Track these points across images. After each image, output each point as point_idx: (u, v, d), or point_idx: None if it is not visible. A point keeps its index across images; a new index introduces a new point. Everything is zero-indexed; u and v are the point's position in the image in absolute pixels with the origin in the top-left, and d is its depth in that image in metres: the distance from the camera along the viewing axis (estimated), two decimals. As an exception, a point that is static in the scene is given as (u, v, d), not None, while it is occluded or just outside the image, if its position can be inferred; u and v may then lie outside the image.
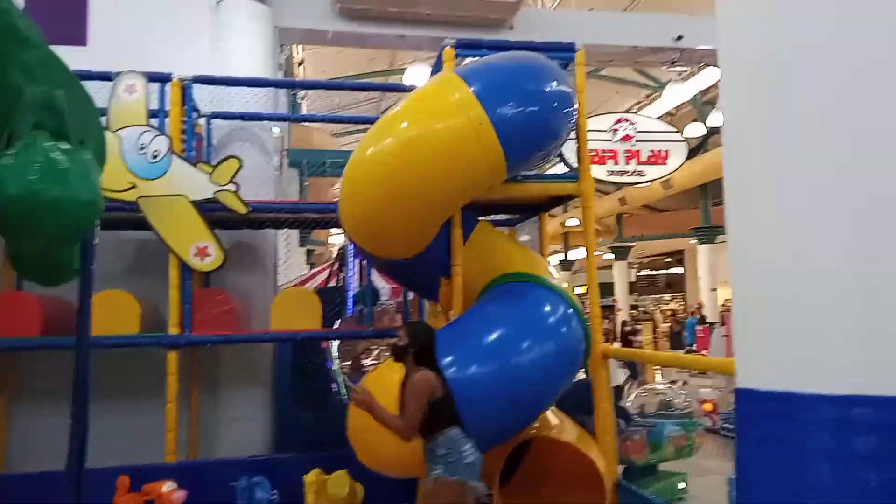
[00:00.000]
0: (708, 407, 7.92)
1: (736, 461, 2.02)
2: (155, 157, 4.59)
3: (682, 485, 5.59)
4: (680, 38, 7.85)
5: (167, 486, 4.25)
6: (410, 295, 6.36)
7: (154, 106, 4.93)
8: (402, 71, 12.67)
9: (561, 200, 5.37)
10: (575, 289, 20.88)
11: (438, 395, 3.20)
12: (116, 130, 4.61)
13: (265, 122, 5.99)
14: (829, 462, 1.74)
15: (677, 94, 14.49)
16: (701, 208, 18.11)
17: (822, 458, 1.75)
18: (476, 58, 4.63)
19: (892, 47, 1.75)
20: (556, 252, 26.04)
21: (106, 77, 4.73)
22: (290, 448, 5.44)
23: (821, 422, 1.76)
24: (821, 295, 1.79)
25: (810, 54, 1.83)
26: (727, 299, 16.23)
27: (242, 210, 4.68)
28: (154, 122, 4.87)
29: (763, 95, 1.94)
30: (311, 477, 4.39)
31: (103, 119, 4.31)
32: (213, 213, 4.80)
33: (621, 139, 11.15)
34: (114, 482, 4.40)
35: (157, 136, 4.68)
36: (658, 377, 10.23)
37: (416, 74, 9.35)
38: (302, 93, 13.70)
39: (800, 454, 1.79)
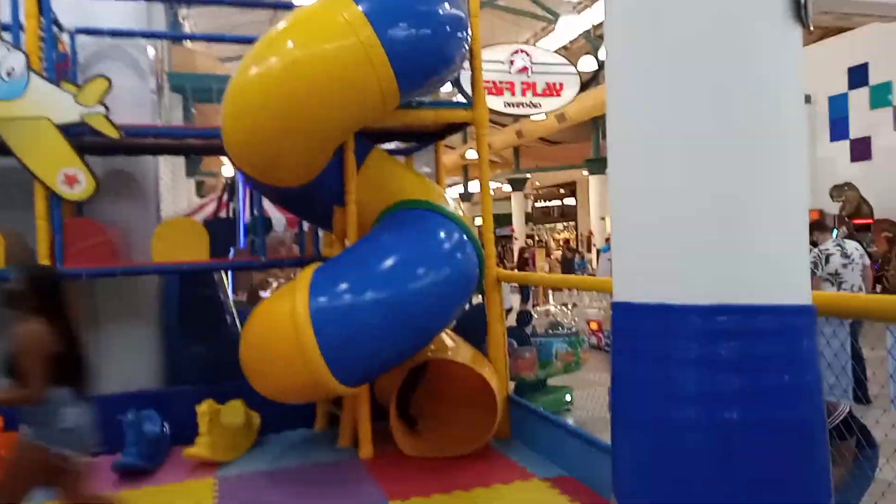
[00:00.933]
0: (594, 326, 8.39)
1: (611, 372, 2.14)
2: (9, 74, 4.12)
3: (568, 397, 5.96)
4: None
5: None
6: (306, 225, 6.22)
7: (6, 19, 4.42)
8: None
9: (456, 128, 5.35)
10: (475, 219, 21.25)
11: (52, 349, 2.78)
12: (-38, 44, 4.11)
13: (138, 40, 5.51)
14: (694, 368, 1.87)
15: (571, 26, 14.62)
16: (592, 141, 18.70)
17: (689, 365, 1.87)
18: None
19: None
20: (455, 184, 26.23)
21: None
22: (181, 383, 5.30)
23: (689, 331, 1.88)
24: (688, 213, 1.90)
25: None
26: (615, 228, 17.03)
27: (114, 134, 4.33)
28: (7, 36, 4.37)
29: (639, 28, 1.98)
30: (203, 407, 4.31)
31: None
32: (82, 138, 4.42)
33: (518, 71, 11.23)
34: (-15, 424, 4.13)
35: (10, 51, 4.19)
36: (550, 301, 10.71)
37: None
38: (184, 12, 12.71)
39: (669, 363, 1.90)
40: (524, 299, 11.03)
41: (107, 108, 4.35)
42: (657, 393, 1.91)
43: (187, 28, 13.35)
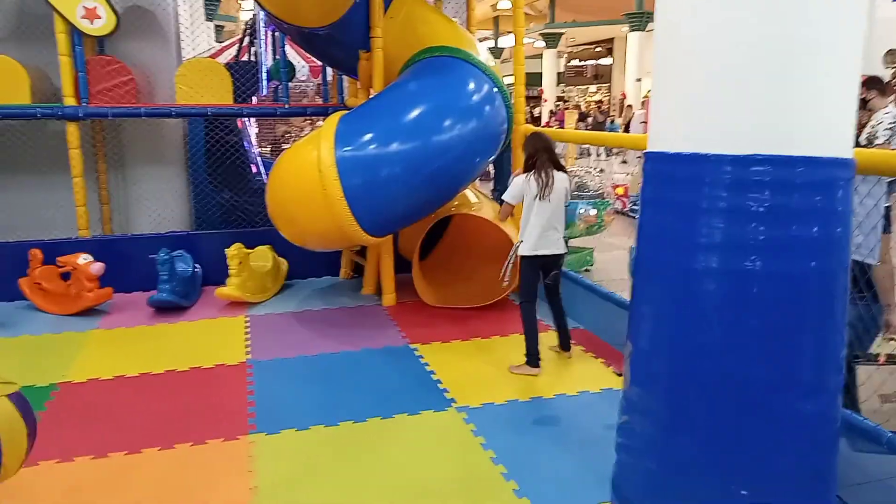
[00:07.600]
0: (620, 190, 8.26)
1: (638, 222, 2.12)
2: None
3: (589, 258, 6.01)
4: None
5: (83, 259, 4.19)
6: (329, 75, 6.05)
7: None
8: None
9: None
10: (504, 78, 20.43)
11: None
12: None
13: None
14: (722, 217, 1.84)
15: None
16: (635, -8, 17.52)
17: (717, 214, 1.85)
18: None
19: None
20: (485, 39, 25.09)
21: None
22: (209, 229, 5.41)
23: (721, 180, 1.84)
24: (730, 63, 1.79)
25: None
26: (649, 90, 16.36)
27: (131, -37, 4.12)
28: None
29: None
30: (233, 250, 4.41)
31: None
32: (97, -32, 4.22)
33: None
34: (25, 256, 4.31)
35: None
36: (576, 167, 10.50)
37: None
38: None
39: (697, 212, 1.88)
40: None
41: (121, -65, 4.11)
42: (682, 241, 1.90)
43: None
